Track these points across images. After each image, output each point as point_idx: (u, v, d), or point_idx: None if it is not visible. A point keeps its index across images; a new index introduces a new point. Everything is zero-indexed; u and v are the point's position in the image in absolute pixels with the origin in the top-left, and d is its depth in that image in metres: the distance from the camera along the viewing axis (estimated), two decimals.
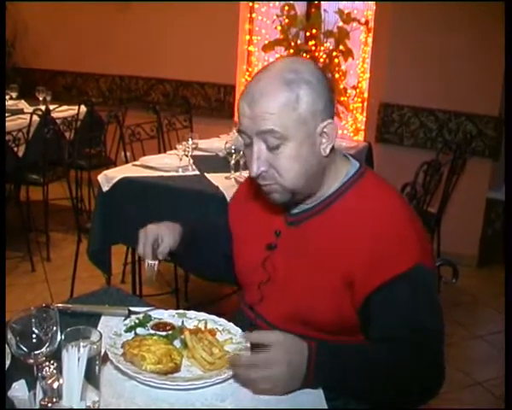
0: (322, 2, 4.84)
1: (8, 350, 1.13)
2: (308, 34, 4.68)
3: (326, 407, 1.18)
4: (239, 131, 1.36)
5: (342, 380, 1.21)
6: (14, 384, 1.12)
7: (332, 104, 1.35)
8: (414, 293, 1.26)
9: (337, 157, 1.41)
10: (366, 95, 4.87)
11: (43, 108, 4.26)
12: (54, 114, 4.21)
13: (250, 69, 5.34)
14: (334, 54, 4.59)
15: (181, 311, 1.49)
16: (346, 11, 4.59)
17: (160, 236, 1.52)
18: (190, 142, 3.01)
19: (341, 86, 4.67)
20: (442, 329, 1.29)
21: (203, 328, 1.39)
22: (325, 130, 1.32)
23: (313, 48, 4.63)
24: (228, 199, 2.58)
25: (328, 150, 1.33)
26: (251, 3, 5.21)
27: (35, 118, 3.95)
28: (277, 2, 5.03)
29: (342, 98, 4.68)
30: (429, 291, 1.30)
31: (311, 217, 1.40)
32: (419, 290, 1.27)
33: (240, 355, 1.23)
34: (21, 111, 4.35)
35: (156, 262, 1.52)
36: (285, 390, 1.17)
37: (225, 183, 2.80)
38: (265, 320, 1.44)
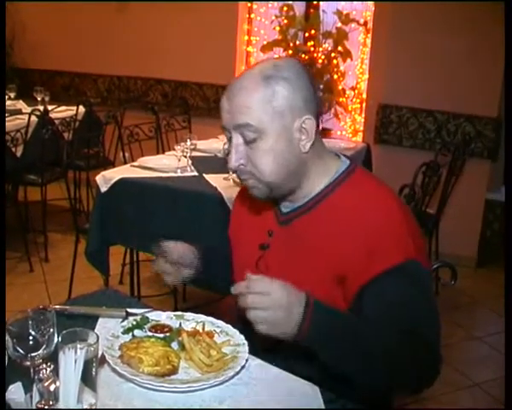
0: (320, 3, 4.84)
1: None
2: (307, 35, 4.69)
3: (323, 406, 1.18)
4: (222, 127, 1.38)
5: (337, 337, 1.18)
6: (11, 387, 1.12)
7: (315, 102, 1.35)
8: (406, 286, 1.25)
9: (326, 155, 1.42)
10: (365, 96, 4.86)
11: (41, 108, 4.25)
12: (52, 115, 4.20)
13: None
14: (333, 55, 4.60)
15: (179, 313, 1.48)
16: (344, 12, 4.60)
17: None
18: (189, 142, 3.01)
19: (340, 87, 4.68)
20: (437, 321, 1.28)
21: (201, 330, 1.39)
22: (304, 126, 1.32)
23: (312, 49, 4.63)
24: (226, 200, 2.59)
25: (307, 147, 1.34)
26: (249, 4, 5.20)
27: (33, 118, 3.95)
28: (276, 3, 5.03)
29: (341, 99, 4.68)
30: (422, 285, 1.28)
31: (302, 215, 1.40)
32: (411, 284, 1.26)
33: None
34: (19, 111, 4.34)
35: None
36: (280, 320, 1.13)
37: (224, 183, 2.80)
38: None
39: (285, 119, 1.30)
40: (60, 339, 1.06)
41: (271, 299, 1.13)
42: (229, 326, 1.41)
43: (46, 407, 1.00)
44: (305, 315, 1.14)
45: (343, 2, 4.82)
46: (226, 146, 2.87)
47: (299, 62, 1.39)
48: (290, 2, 4.74)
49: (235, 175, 2.86)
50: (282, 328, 1.14)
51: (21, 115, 4.14)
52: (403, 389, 1.27)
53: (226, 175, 2.88)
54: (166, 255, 1.49)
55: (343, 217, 1.33)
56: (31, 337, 1.09)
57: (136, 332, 1.37)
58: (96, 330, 1.31)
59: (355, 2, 4.83)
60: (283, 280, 1.36)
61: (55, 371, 1.03)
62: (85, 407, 1.04)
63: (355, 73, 4.90)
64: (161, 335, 1.36)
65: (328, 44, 4.66)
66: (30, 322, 1.10)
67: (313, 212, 1.39)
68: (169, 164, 3.04)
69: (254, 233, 1.51)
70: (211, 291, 2.09)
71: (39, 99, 4.72)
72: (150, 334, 1.36)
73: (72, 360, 1.01)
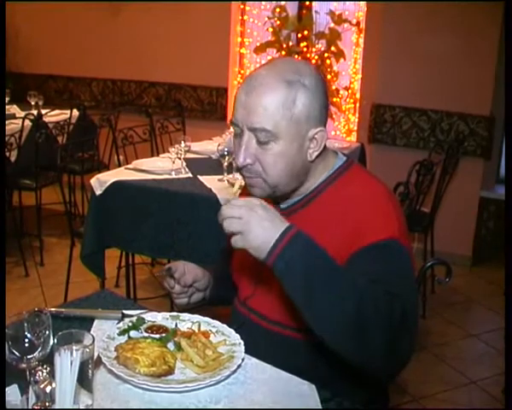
0: (313, 4, 4.85)
1: None
2: (300, 36, 4.70)
3: (320, 406, 1.18)
4: (231, 121, 1.37)
5: (311, 270, 1.16)
6: (7, 389, 1.12)
7: (327, 112, 1.38)
8: (387, 262, 1.26)
9: (326, 154, 1.43)
10: (358, 96, 4.88)
11: (35, 112, 4.25)
12: (46, 119, 4.20)
13: (242, 71, 5.35)
14: (326, 55, 4.61)
15: (174, 313, 1.48)
16: (337, 13, 4.61)
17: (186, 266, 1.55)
18: (183, 144, 3.01)
19: (333, 87, 4.69)
20: (415, 297, 1.28)
21: (196, 330, 1.39)
22: (316, 136, 1.34)
23: (305, 49, 4.64)
24: (221, 201, 2.59)
25: (314, 156, 1.36)
26: (242, 6, 5.21)
27: (27, 123, 3.94)
28: (268, 5, 5.03)
29: (335, 99, 4.69)
30: (403, 264, 1.29)
31: (299, 209, 1.43)
32: (392, 261, 1.26)
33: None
34: (13, 116, 4.33)
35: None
36: (256, 230, 1.17)
37: (218, 185, 2.80)
38: (258, 313, 1.46)
39: (301, 126, 1.31)
40: (55, 341, 1.06)
41: (249, 208, 1.19)
42: (225, 326, 1.41)
43: (42, 409, 0.99)
44: (284, 235, 1.17)
45: (335, 3, 4.83)
46: (221, 147, 2.89)
47: (318, 70, 1.40)
48: (283, 4, 4.75)
49: (230, 176, 2.87)
50: (256, 239, 1.17)
51: (15, 120, 4.13)
52: (375, 359, 1.20)
53: (221, 177, 2.89)
54: (179, 277, 1.50)
55: (337, 207, 1.36)
56: (26, 340, 1.09)
57: (132, 333, 1.37)
58: (91, 332, 1.31)
59: (347, 3, 4.84)
60: None
61: (51, 373, 1.03)
62: (82, 408, 1.04)
63: (348, 73, 4.91)
64: (157, 335, 1.36)
65: (321, 45, 4.67)
66: (25, 324, 1.10)
67: (310, 205, 1.41)
68: (163, 166, 3.04)
69: None
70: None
71: (33, 103, 4.71)
72: (146, 335, 1.36)
73: (67, 362, 1.01)
